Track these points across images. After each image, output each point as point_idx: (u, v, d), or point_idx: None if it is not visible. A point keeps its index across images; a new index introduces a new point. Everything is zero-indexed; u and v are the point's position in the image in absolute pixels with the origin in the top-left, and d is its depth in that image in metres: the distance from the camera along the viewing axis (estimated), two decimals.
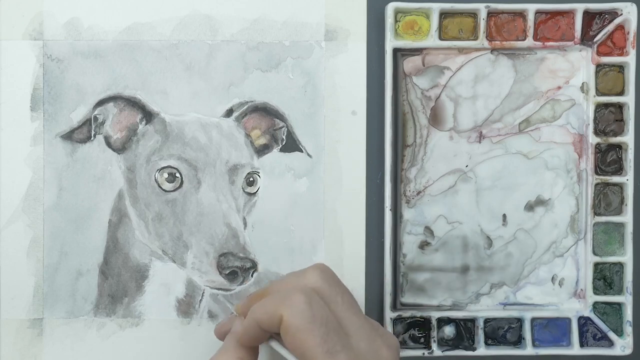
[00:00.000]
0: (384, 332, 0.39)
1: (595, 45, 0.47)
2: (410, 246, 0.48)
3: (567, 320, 0.48)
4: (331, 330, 0.35)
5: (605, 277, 0.48)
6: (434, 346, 0.47)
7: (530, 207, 0.48)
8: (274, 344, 0.39)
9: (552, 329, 0.48)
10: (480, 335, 0.47)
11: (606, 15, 0.47)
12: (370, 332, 0.37)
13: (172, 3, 0.47)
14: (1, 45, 0.47)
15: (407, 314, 0.47)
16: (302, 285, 0.38)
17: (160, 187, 0.46)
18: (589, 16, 0.47)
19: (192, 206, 0.46)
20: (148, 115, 0.47)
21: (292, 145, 0.48)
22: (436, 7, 0.46)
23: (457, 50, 0.47)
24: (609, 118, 0.48)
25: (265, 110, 0.48)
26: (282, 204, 0.47)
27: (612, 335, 0.47)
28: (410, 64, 0.48)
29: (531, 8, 0.46)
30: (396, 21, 0.47)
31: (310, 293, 0.37)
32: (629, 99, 0.47)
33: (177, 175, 0.46)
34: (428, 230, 0.48)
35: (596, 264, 0.48)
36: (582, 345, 0.47)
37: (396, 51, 0.47)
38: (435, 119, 0.48)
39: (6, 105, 0.47)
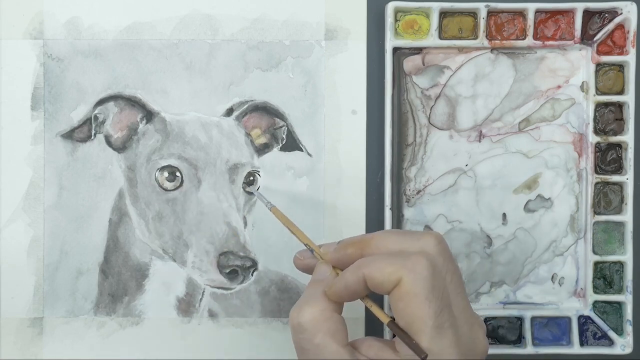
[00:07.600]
0: (480, 321, 0.36)
1: (595, 45, 0.47)
2: None
3: (567, 319, 0.48)
4: (445, 306, 0.33)
5: (605, 276, 0.48)
6: None
7: (530, 206, 0.48)
8: (367, 302, 0.36)
9: (552, 328, 0.48)
10: None
11: (606, 14, 0.47)
12: (470, 317, 0.35)
13: (172, 2, 0.47)
14: (1, 44, 0.47)
15: None
16: (420, 249, 0.34)
17: (161, 186, 0.46)
18: (588, 15, 0.47)
19: (193, 205, 0.46)
20: (148, 115, 0.47)
21: (292, 144, 0.48)
22: (436, 6, 0.46)
23: (457, 50, 0.47)
24: (608, 117, 0.48)
25: (265, 110, 0.48)
26: (282, 203, 0.47)
27: (612, 334, 0.47)
28: (410, 63, 0.48)
29: (531, 7, 0.46)
30: (396, 20, 0.47)
31: (433, 260, 0.34)
32: (628, 98, 0.47)
33: (178, 174, 0.46)
34: (428, 229, 0.48)
35: (596, 263, 0.48)
36: (582, 344, 0.47)
37: (396, 50, 0.47)
38: (435, 118, 0.48)
39: (6, 104, 0.47)
